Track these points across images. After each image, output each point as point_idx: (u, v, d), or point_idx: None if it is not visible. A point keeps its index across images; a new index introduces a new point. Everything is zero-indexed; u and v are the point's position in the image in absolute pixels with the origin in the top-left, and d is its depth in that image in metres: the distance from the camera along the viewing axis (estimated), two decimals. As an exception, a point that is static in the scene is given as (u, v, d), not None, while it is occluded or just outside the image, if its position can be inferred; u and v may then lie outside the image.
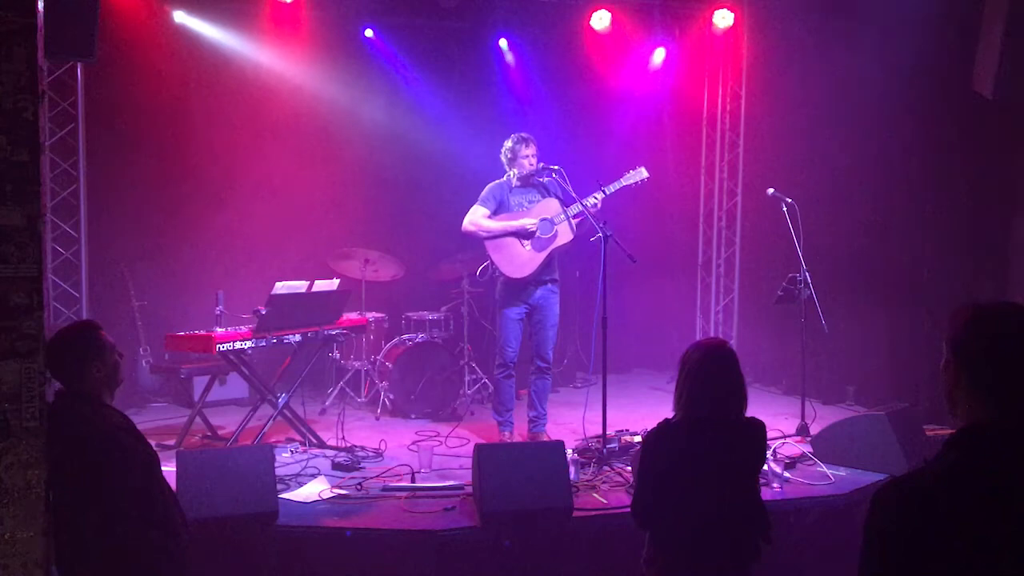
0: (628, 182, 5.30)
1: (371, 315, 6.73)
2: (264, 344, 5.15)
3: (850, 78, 6.65)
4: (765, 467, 4.17)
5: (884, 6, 6.32)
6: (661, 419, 3.00)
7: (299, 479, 4.62)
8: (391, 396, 6.51)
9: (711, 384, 2.87)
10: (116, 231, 6.98)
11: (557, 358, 7.03)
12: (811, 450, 5.04)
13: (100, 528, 2.74)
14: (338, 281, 5.69)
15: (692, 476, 2.85)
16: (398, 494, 4.36)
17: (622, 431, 5.36)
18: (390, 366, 6.49)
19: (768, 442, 3.61)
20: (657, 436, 2.96)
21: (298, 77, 7.41)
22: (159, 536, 2.83)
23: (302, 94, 7.41)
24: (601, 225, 5.04)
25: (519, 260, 5.32)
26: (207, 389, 5.79)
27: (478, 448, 4.17)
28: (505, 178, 5.49)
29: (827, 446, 5.00)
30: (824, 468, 4.79)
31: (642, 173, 5.31)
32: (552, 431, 5.63)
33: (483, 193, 5.46)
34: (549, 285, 5.43)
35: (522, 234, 5.31)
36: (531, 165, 5.37)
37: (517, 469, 4.01)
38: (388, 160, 7.57)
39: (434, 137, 7.55)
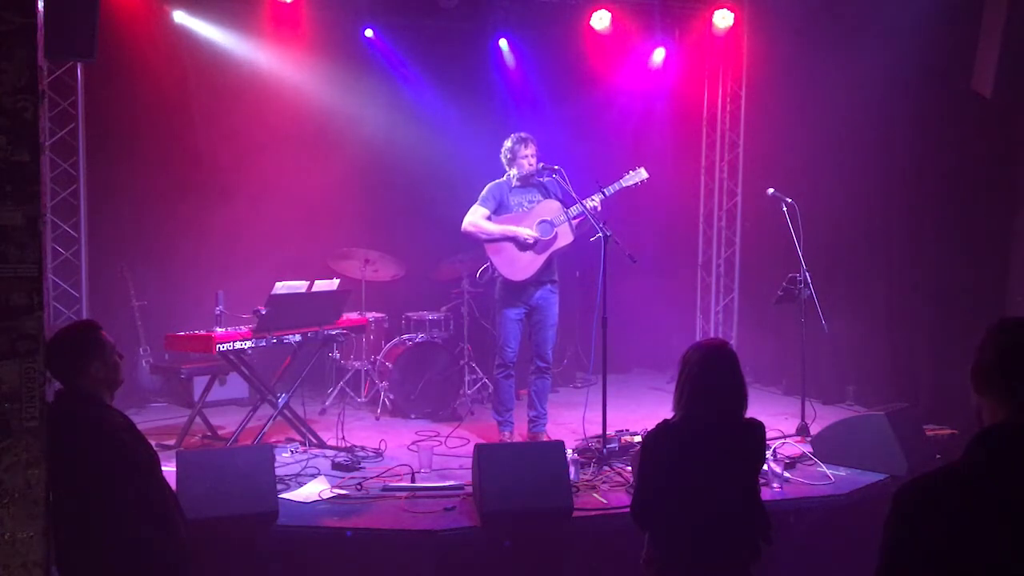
0: (628, 183, 5.29)
1: (371, 315, 6.73)
2: (264, 344, 5.15)
3: (850, 78, 6.65)
4: (765, 467, 4.17)
5: (884, 5, 6.32)
6: (661, 419, 2.99)
7: (299, 479, 4.62)
8: (391, 396, 6.51)
9: (711, 384, 2.87)
10: (116, 231, 6.98)
11: (557, 358, 7.03)
12: (811, 450, 5.04)
13: (100, 528, 2.74)
14: (338, 281, 5.69)
15: (692, 477, 2.84)
16: (398, 494, 4.36)
17: (622, 431, 5.35)
18: (390, 366, 6.49)
19: (768, 442, 3.62)
20: (657, 437, 2.94)
21: (298, 77, 7.40)
22: (159, 536, 2.83)
23: (302, 94, 7.40)
24: (601, 225, 5.04)
25: (520, 263, 5.32)
26: (207, 389, 5.79)
27: (478, 448, 4.17)
28: (505, 178, 5.49)
29: (827, 446, 5.00)
30: (824, 468, 4.79)
31: (642, 174, 5.30)
32: (552, 431, 5.63)
33: (483, 193, 5.45)
34: (549, 286, 5.43)
35: (521, 242, 5.30)
36: (531, 165, 5.37)
37: (517, 469, 4.01)
38: (388, 160, 7.57)
39: (434, 137, 7.55)
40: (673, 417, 2.95)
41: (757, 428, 2.96)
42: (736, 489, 2.88)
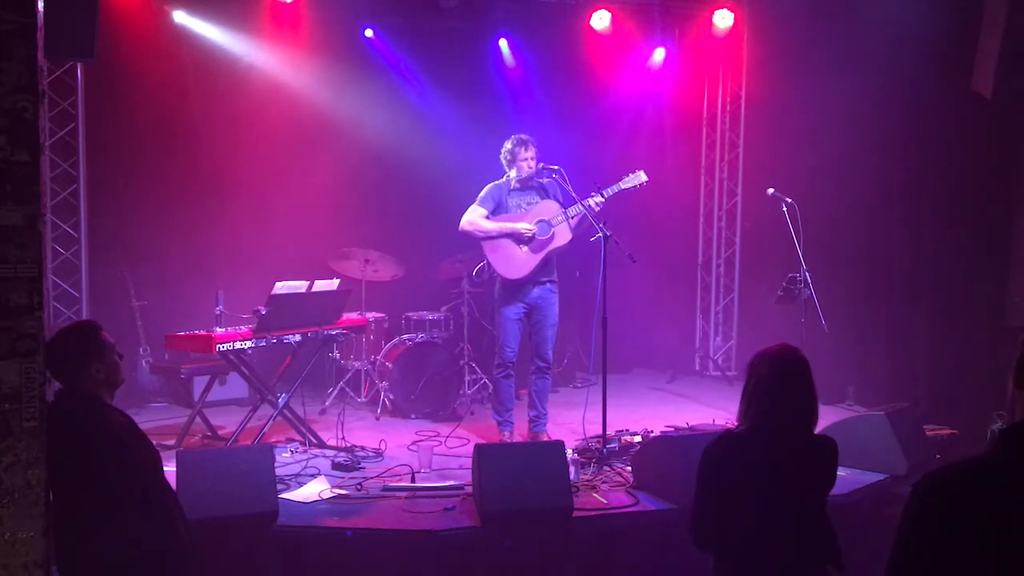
0: (626, 186, 5.28)
1: (371, 315, 6.73)
2: (264, 344, 5.15)
3: (850, 77, 6.65)
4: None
5: (884, 6, 6.32)
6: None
7: (299, 479, 4.62)
8: (391, 396, 6.51)
9: (781, 395, 2.68)
10: (116, 231, 6.99)
11: (557, 358, 7.03)
12: (811, 450, 5.03)
13: (101, 528, 2.74)
14: (338, 281, 5.69)
15: (757, 492, 2.64)
16: (398, 494, 4.36)
17: (622, 431, 5.36)
18: (390, 366, 6.49)
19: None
20: (719, 447, 2.72)
21: (298, 77, 7.41)
22: (160, 536, 2.83)
23: (302, 94, 7.41)
24: (601, 225, 5.04)
25: (516, 261, 5.32)
26: (207, 389, 5.79)
27: (478, 448, 4.17)
28: (504, 179, 5.49)
29: (827, 446, 4.99)
30: (824, 468, 4.78)
31: (640, 177, 5.30)
32: (552, 431, 5.63)
33: (482, 193, 5.45)
34: (547, 285, 5.43)
35: (518, 237, 5.30)
36: (530, 168, 5.36)
37: (517, 469, 4.01)
38: (388, 160, 7.57)
39: (434, 137, 7.55)
40: (737, 427, 2.77)
41: (828, 446, 2.77)
42: (804, 509, 2.69)
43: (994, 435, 1.71)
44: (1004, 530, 1.53)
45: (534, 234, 5.28)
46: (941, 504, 1.59)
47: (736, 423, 2.81)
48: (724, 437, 2.76)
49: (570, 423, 5.95)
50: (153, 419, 6.27)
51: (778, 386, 2.68)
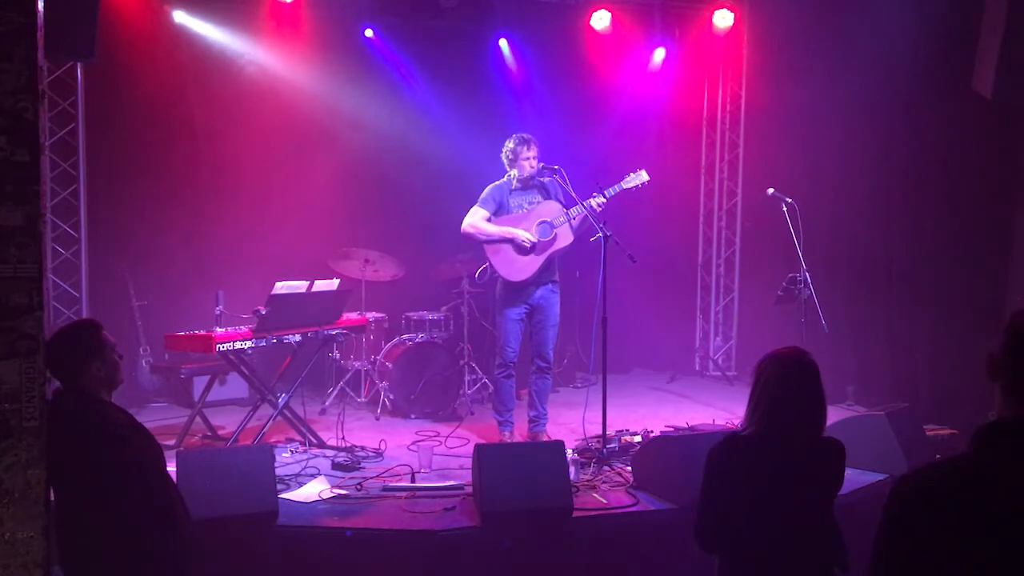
0: (628, 185, 5.28)
1: (371, 315, 6.73)
2: (264, 344, 5.15)
3: (850, 77, 6.66)
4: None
5: (884, 5, 6.32)
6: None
7: (299, 479, 4.62)
8: (391, 396, 6.51)
9: (790, 400, 2.66)
10: (116, 231, 6.98)
11: (557, 358, 7.02)
12: (811, 450, 5.03)
13: (103, 527, 2.74)
14: (338, 281, 5.69)
15: (763, 496, 2.64)
16: (398, 494, 4.36)
17: (622, 431, 5.36)
18: (390, 366, 6.49)
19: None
20: (725, 451, 2.71)
21: (298, 77, 7.41)
22: (163, 534, 2.83)
23: (302, 94, 7.40)
24: (601, 225, 5.04)
25: (518, 263, 5.32)
26: (207, 389, 5.79)
27: (478, 448, 4.17)
28: (505, 179, 5.48)
29: (827, 446, 4.99)
30: (824, 468, 4.78)
31: (642, 176, 5.30)
32: (552, 431, 5.63)
33: (483, 195, 5.45)
34: (550, 286, 5.42)
35: (519, 244, 5.29)
36: (532, 167, 5.35)
37: (517, 469, 4.01)
38: (388, 160, 7.56)
39: (434, 137, 7.54)
40: (743, 430, 2.75)
41: (836, 449, 2.75)
42: (810, 511, 2.68)
43: (972, 434, 1.71)
44: (982, 529, 1.53)
45: (534, 245, 5.27)
46: (920, 503, 1.59)
47: (743, 425, 2.80)
48: (730, 440, 2.75)
49: (570, 423, 5.94)
50: (153, 419, 6.26)
51: (786, 389, 2.67)
